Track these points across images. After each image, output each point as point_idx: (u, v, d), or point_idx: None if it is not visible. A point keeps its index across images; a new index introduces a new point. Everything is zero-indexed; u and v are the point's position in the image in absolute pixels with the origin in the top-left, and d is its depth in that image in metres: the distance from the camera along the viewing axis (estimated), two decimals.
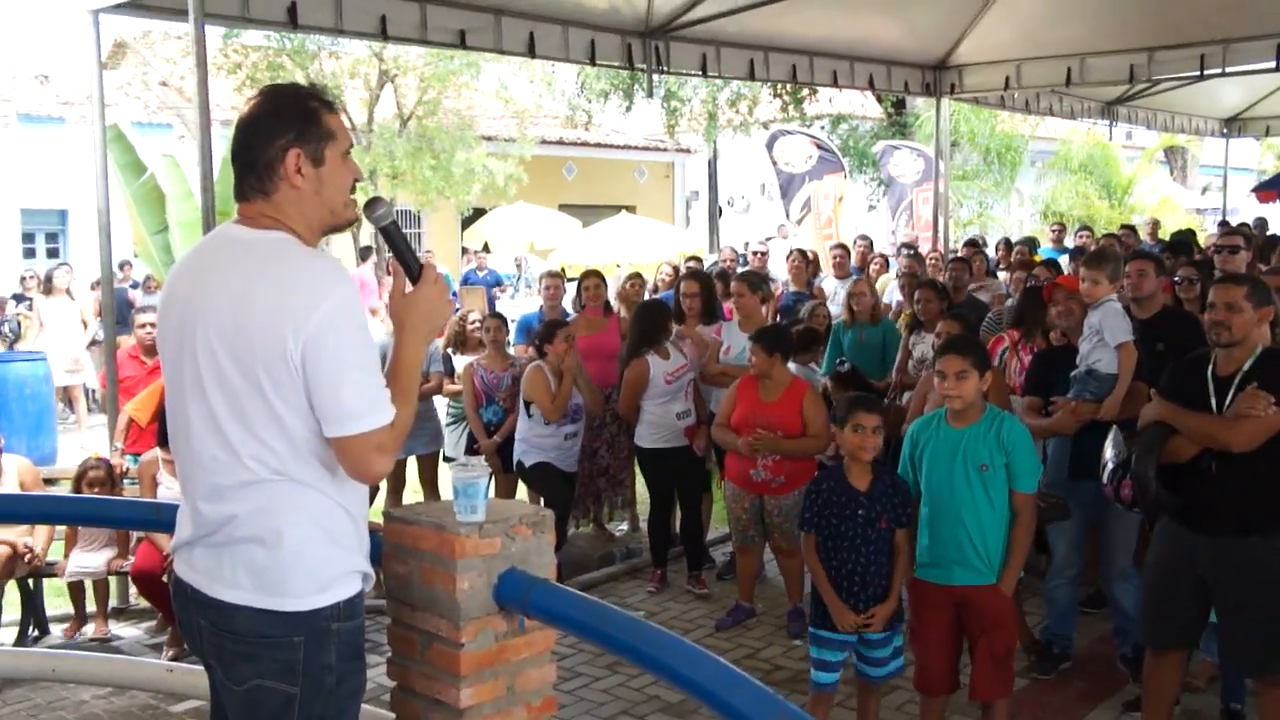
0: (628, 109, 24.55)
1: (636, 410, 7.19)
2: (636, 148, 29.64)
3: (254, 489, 2.52)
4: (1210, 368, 4.34)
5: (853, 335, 8.09)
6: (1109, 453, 4.57)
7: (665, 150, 29.76)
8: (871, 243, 13.46)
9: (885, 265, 12.18)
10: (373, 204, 2.77)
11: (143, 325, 8.09)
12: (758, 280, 8.25)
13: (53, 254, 21.79)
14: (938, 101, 12.92)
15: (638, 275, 9.29)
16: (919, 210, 16.53)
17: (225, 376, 2.50)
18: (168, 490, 6.25)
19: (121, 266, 16.49)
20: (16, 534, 6.41)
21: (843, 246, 11.91)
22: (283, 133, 2.56)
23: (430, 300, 2.72)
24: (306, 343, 2.44)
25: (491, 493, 7.51)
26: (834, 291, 10.20)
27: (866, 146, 23.32)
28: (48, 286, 14.05)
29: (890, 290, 10.71)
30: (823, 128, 23.61)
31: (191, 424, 2.58)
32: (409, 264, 2.73)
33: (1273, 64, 10.40)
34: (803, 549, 4.92)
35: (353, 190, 2.72)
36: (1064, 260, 11.40)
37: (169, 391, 2.68)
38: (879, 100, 22.61)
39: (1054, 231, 16.48)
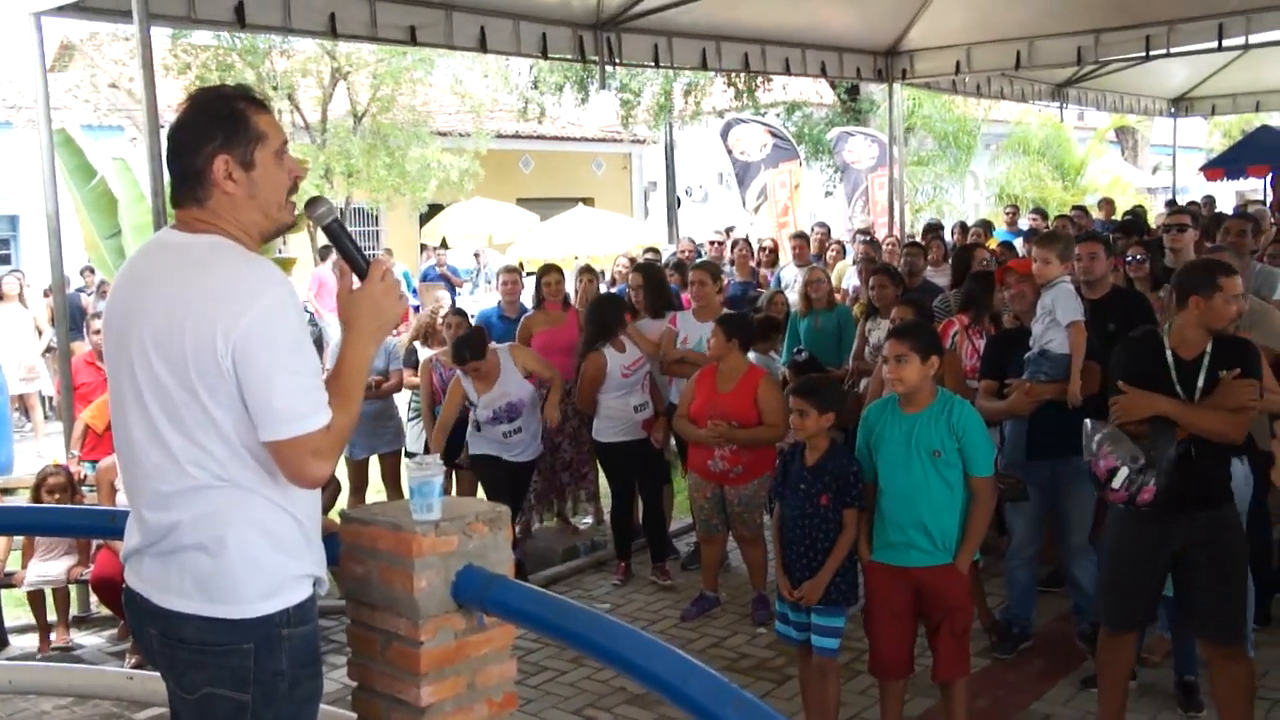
0: (583, 101, 24.49)
1: (594, 404, 7.21)
2: (593, 140, 29.58)
3: (196, 495, 2.49)
4: (1169, 352, 4.34)
5: (809, 323, 8.13)
6: (1117, 458, 4.35)
7: (621, 141, 29.71)
8: (829, 229, 13.50)
9: (842, 252, 12.23)
10: (313, 203, 2.73)
11: (96, 331, 8.04)
12: (717, 270, 8.26)
13: (3, 260, 21.49)
14: (890, 87, 12.99)
15: (588, 269, 9.26)
16: (875, 196, 16.61)
17: (161, 383, 2.47)
18: (126, 497, 6.19)
19: (83, 272, 16.30)
20: None
21: (802, 235, 11.95)
22: (210, 139, 2.51)
23: (376, 299, 2.66)
24: (236, 345, 2.40)
25: (454, 490, 7.59)
26: (794, 279, 10.23)
27: (821, 133, 23.36)
28: (8, 294, 13.88)
29: (849, 276, 10.75)
30: (777, 115, 23.64)
31: (133, 432, 2.55)
32: (356, 262, 2.69)
33: (1215, 44, 10.56)
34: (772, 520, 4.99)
35: (294, 189, 2.67)
36: (1019, 242, 11.52)
37: (112, 400, 2.65)
38: (832, 87, 22.66)
39: (1008, 214, 16.61)
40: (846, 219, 17.22)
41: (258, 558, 2.52)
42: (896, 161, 13.99)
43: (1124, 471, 4.33)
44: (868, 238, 12.19)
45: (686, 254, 12.51)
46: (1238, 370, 4.23)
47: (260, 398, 2.43)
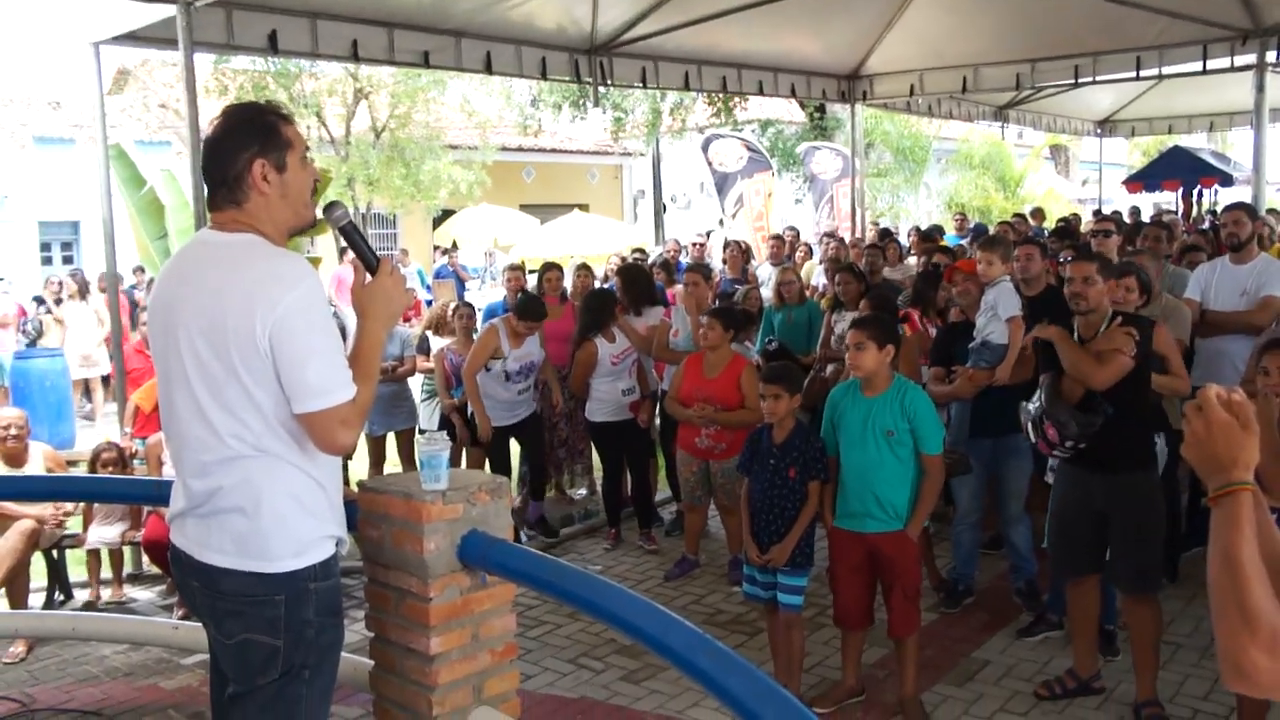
0: (581, 118, 24.41)
1: (587, 388, 7.20)
2: (587, 152, 29.47)
3: (235, 464, 2.52)
4: (1076, 336, 4.50)
5: (782, 316, 8.09)
6: (1030, 409, 4.55)
7: (613, 154, 29.64)
8: (798, 233, 13.48)
9: (810, 253, 12.21)
10: (330, 207, 2.76)
11: (144, 322, 7.97)
12: (708, 271, 8.36)
13: (67, 261, 21.40)
14: (852, 107, 12.96)
15: (585, 266, 9.24)
16: (839, 203, 16.57)
17: (205, 364, 2.49)
18: (171, 469, 6.16)
19: (134, 271, 16.21)
20: (41, 509, 6.33)
21: (778, 238, 11.94)
22: (247, 146, 2.55)
23: (386, 290, 2.70)
24: (274, 329, 2.43)
25: (463, 464, 7.58)
26: (768, 277, 10.22)
27: (792, 147, 23.33)
28: (74, 291, 13.83)
29: (816, 274, 10.74)
30: (753, 131, 23.58)
31: (178, 409, 2.57)
32: (367, 259, 2.72)
33: (1134, 74, 10.70)
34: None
35: (314, 191, 2.70)
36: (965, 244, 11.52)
37: (159, 382, 2.67)
38: (801, 106, 22.61)
39: (957, 220, 16.60)
40: (814, 224, 17.19)
41: (288, 519, 2.54)
42: (858, 173, 13.97)
43: (1031, 420, 4.51)
44: (835, 240, 12.17)
45: (672, 254, 12.52)
46: (1120, 319, 4.40)
47: (295, 375, 2.45)
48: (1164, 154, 21.14)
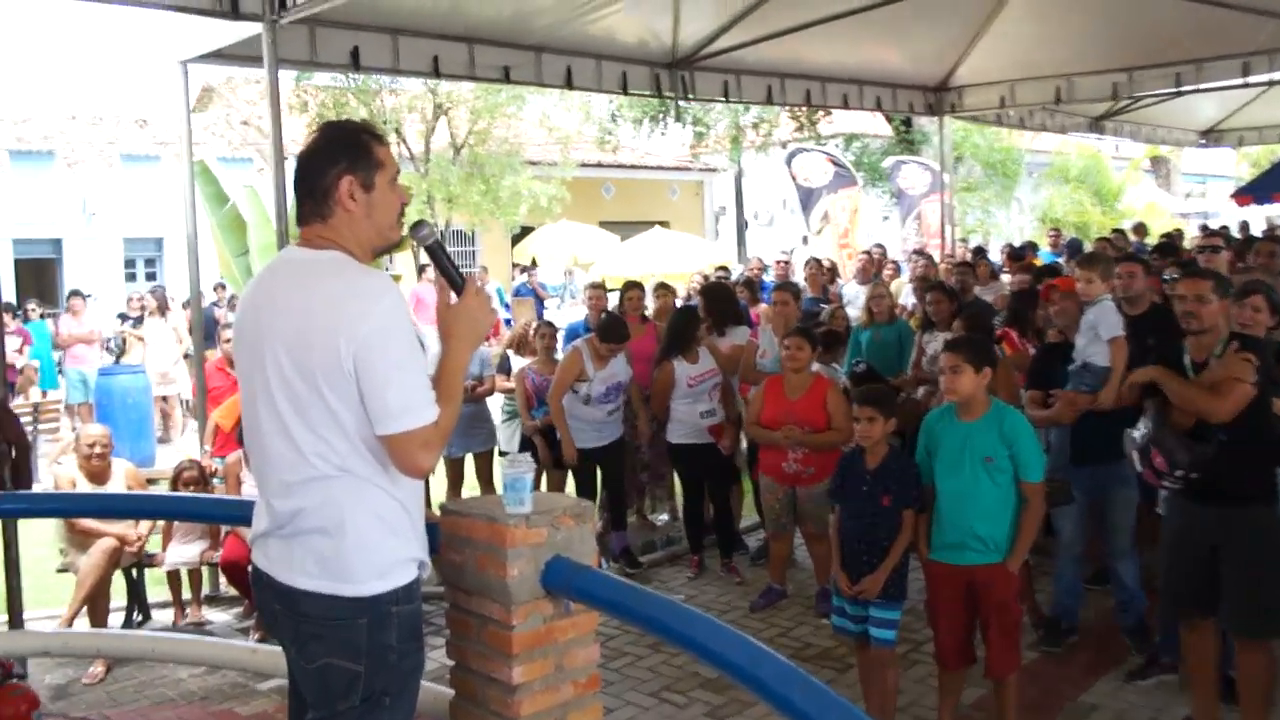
0: (661, 133, 24.50)
1: (668, 409, 7.19)
2: (668, 168, 29.58)
3: (318, 484, 2.53)
4: (1187, 356, 4.33)
5: (870, 335, 8.00)
6: (1136, 436, 4.40)
7: (694, 170, 29.68)
8: (885, 250, 13.33)
9: (897, 270, 12.06)
10: (417, 226, 2.77)
11: (227, 340, 8.13)
12: (798, 290, 8.35)
13: (150, 278, 22.02)
14: (940, 120, 12.82)
15: (665, 285, 9.21)
16: (927, 219, 16.37)
17: (290, 383, 2.52)
18: (251, 488, 6.26)
19: (216, 288, 16.61)
20: (123, 528, 6.46)
21: (867, 254, 11.84)
22: (337, 161, 2.59)
23: (472, 311, 2.72)
24: (358, 349, 2.45)
25: (543, 486, 7.60)
26: (855, 295, 10.11)
27: (877, 161, 23.14)
28: (153, 308, 14.17)
29: (905, 293, 10.59)
30: (837, 145, 23.45)
31: (263, 427, 2.59)
32: (453, 279, 2.74)
33: (1240, 80, 10.36)
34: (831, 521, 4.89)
35: (401, 214, 2.72)
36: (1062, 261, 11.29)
37: (243, 400, 2.71)
38: (888, 119, 22.44)
39: (1051, 236, 16.28)
40: (902, 240, 17.02)
41: (371, 541, 2.55)
42: (947, 188, 13.80)
43: (1138, 450, 4.34)
44: (924, 257, 12.01)
45: (755, 272, 12.44)
46: (1237, 344, 4.17)
47: (378, 395, 2.47)
48: (1276, 164, 20.53)
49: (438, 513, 3.14)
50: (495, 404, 8.23)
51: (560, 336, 8.31)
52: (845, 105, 11.61)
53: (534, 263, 21.43)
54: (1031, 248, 13.14)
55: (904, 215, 17.30)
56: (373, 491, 2.55)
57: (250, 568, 2.75)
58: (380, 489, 2.56)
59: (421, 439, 2.50)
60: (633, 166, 28.40)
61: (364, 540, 2.54)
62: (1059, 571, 5.73)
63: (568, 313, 17.29)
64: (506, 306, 19.75)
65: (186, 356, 13.55)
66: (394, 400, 2.46)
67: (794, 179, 16.20)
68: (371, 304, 2.47)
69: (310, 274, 2.56)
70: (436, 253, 2.76)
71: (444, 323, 2.71)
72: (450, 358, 2.69)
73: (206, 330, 9.89)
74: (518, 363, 8.29)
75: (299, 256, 2.63)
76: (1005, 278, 11.38)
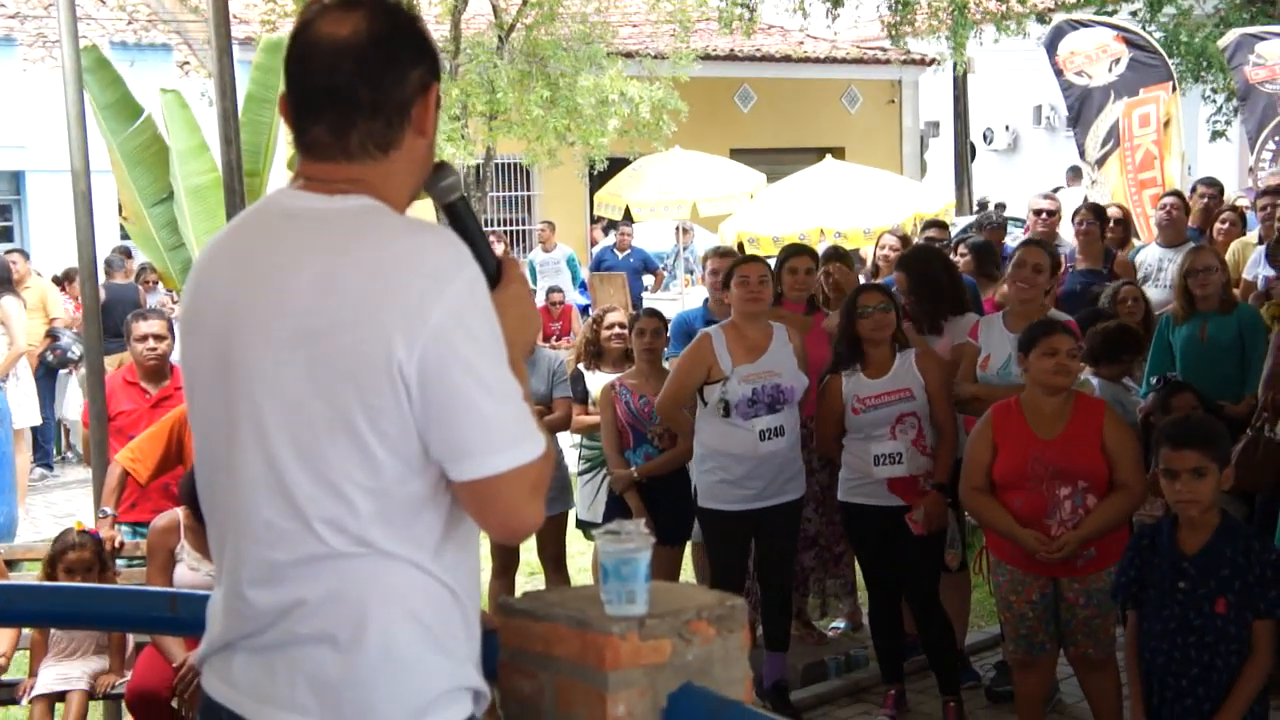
0: (835, 4, 24.42)
1: (837, 449, 7.23)
2: (845, 61, 29.68)
3: (328, 565, 2.53)
4: None
5: (1190, 332, 7.95)
6: None
7: (888, 63, 29.59)
8: (1221, 189, 13.11)
9: (1242, 224, 11.87)
10: (439, 170, 2.81)
11: (144, 338, 8.19)
12: (1056, 255, 8.18)
13: (5, 236, 22.42)
14: None
15: (839, 251, 9.17)
16: None
17: (301, 406, 2.52)
18: (192, 572, 6.36)
19: (117, 252, 16.44)
20: None
21: (1177, 195, 11.66)
22: (416, 61, 2.64)
23: (521, 304, 2.78)
24: (426, 349, 2.45)
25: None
26: (1158, 265, 9.98)
27: (1209, 39, 22.75)
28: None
29: (1254, 262, 10.44)
30: (1134, 14, 23.13)
31: (239, 476, 2.59)
32: (485, 260, 2.70)
33: None
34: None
35: None
36: None
37: (204, 433, 2.72)
38: None
39: None
40: (1247, 172, 16.75)
41: (406, 657, 2.56)
42: None
43: None
44: None
45: (992, 228, 12.31)
46: None
47: (461, 421, 2.49)
48: None
49: (496, 612, 3.18)
50: (565, 443, 8.28)
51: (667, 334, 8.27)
52: None
53: (627, 215, 21.50)
54: None
55: (1252, 131, 17.00)
56: (411, 576, 2.56)
57: (192, 701, 2.79)
58: (423, 571, 2.57)
59: (531, 479, 2.55)
60: (786, 60, 28.50)
61: (394, 655, 2.54)
62: None
63: (682, 297, 17.37)
64: (583, 287, 19.91)
65: (64, 365, 13.69)
66: (494, 426, 2.49)
67: (1059, 73, 16.06)
68: (444, 277, 2.49)
69: (332, 234, 2.56)
70: (462, 214, 2.78)
71: None
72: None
73: (109, 322, 10.10)
74: (596, 381, 8.31)
75: (306, 205, 2.62)
76: None
